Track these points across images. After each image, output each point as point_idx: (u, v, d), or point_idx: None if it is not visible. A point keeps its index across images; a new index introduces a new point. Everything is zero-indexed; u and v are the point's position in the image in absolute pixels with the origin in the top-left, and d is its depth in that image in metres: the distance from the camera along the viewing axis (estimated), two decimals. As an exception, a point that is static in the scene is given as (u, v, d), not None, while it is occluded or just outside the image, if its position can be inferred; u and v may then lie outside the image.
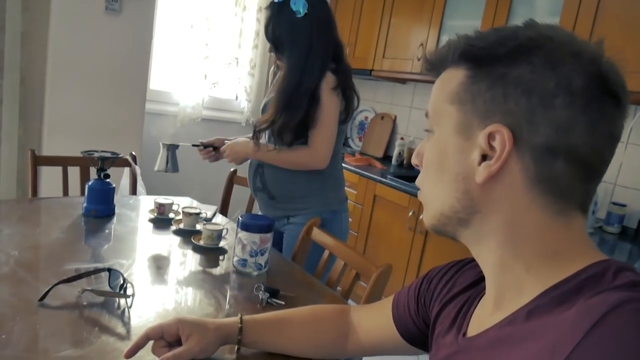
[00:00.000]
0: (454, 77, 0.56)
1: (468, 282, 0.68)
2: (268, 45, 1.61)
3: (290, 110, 1.51)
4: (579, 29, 2.05)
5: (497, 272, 0.55)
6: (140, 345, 0.80)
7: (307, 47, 1.51)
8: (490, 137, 0.51)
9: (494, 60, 0.52)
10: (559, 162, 0.50)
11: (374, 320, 0.85)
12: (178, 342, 0.82)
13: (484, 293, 0.61)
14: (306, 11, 1.50)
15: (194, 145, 1.78)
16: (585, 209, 0.54)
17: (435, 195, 0.58)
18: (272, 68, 1.86)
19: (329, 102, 1.53)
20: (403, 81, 3.30)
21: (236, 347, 0.88)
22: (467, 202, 0.54)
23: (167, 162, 1.70)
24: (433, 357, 0.65)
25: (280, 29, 1.54)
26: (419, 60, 2.80)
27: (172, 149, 1.71)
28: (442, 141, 0.56)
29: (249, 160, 1.72)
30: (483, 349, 0.53)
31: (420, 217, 2.46)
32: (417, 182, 0.63)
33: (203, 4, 3.02)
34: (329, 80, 1.53)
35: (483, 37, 0.54)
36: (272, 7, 1.55)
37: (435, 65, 0.59)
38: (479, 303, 0.62)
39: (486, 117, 0.52)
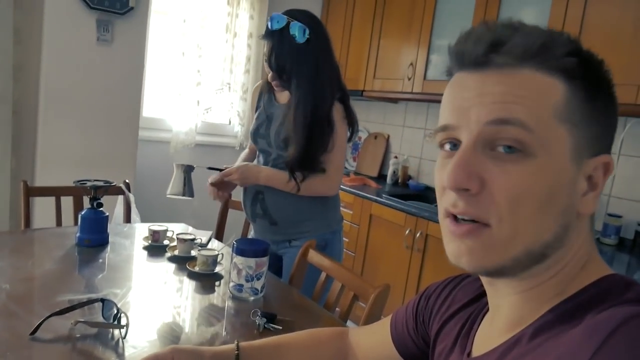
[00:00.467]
0: (551, 86, 0.46)
1: (468, 297, 0.66)
2: (261, 70, 1.61)
3: (315, 140, 1.50)
4: (565, 44, 2.08)
5: (527, 299, 0.51)
6: None
7: (314, 72, 1.49)
8: (596, 167, 0.48)
9: (599, 79, 0.48)
10: None
11: (373, 341, 0.83)
12: None
13: (487, 309, 0.59)
14: (307, 36, 1.48)
15: (210, 169, 1.62)
16: None
17: (531, 232, 0.47)
18: (255, 89, 1.78)
19: (341, 129, 1.56)
20: (395, 101, 3.32)
21: None
22: (561, 235, 0.48)
23: (184, 186, 1.54)
24: None
25: (284, 58, 1.49)
26: (409, 79, 2.83)
27: (188, 170, 1.56)
28: (553, 169, 0.46)
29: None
30: None
31: (421, 235, 2.45)
32: (479, 214, 0.47)
33: (194, 31, 3.05)
34: (338, 108, 1.55)
35: (579, 46, 0.48)
36: (272, 36, 1.50)
37: (508, 57, 0.47)
38: (482, 321, 0.60)
39: (594, 143, 0.48)
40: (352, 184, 2.98)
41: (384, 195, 2.69)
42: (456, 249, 0.49)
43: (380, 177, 3.37)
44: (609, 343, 0.39)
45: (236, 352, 0.83)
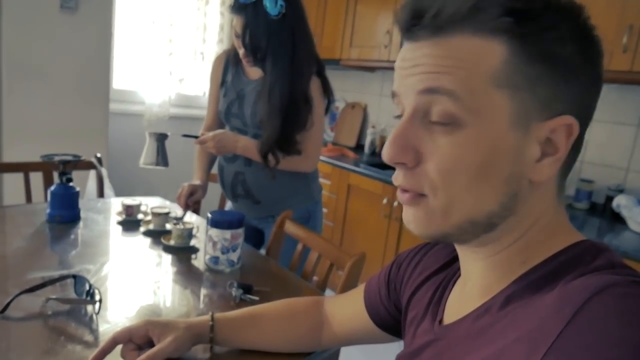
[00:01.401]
0: (489, 50, 0.43)
1: (439, 263, 0.66)
2: (233, 39, 1.49)
3: (291, 120, 1.45)
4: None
5: (491, 267, 0.51)
6: (107, 350, 0.77)
7: (291, 49, 1.41)
8: (554, 129, 0.45)
9: (544, 36, 0.43)
10: (582, 143, 0.48)
11: (347, 309, 0.84)
12: (148, 345, 0.80)
13: (459, 275, 0.59)
14: (282, 10, 1.38)
15: (185, 136, 1.55)
16: None
17: (469, 202, 0.46)
18: (217, 59, 1.69)
19: (319, 105, 1.51)
20: (372, 69, 3.29)
21: (210, 346, 0.86)
22: (509, 204, 0.46)
23: (157, 155, 1.47)
24: (409, 345, 0.63)
25: (259, 35, 1.39)
26: (386, 47, 2.80)
27: (161, 139, 1.48)
28: (489, 138, 0.44)
29: (220, 163, 1.67)
30: (461, 338, 0.51)
31: (398, 213, 2.46)
32: (415, 185, 0.48)
33: (164, -2, 2.95)
34: (315, 82, 1.49)
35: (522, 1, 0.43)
36: (244, 10, 1.39)
37: (439, 24, 0.45)
38: (453, 287, 0.60)
39: (547, 105, 0.44)
40: (330, 155, 2.97)
41: (361, 165, 2.69)
42: (405, 215, 0.51)
43: (358, 147, 3.37)
44: (580, 315, 0.38)
45: (210, 323, 0.82)
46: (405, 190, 0.49)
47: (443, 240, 0.53)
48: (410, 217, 0.50)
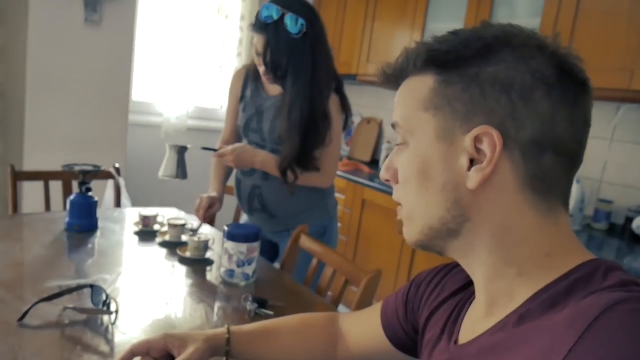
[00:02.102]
0: (421, 84, 0.54)
1: (457, 286, 0.66)
2: (254, 56, 1.49)
3: (310, 137, 1.46)
4: (561, 28, 2.06)
5: (489, 280, 0.53)
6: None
7: (312, 68, 1.43)
8: (477, 139, 0.50)
9: (464, 62, 0.51)
10: (547, 156, 0.49)
11: (363, 327, 0.83)
12: (165, 359, 0.80)
13: (474, 297, 0.60)
14: (303, 29, 1.39)
15: (204, 149, 1.54)
16: (567, 204, 0.53)
17: (421, 209, 0.54)
18: (236, 74, 1.71)
19: (337, 121, 1.52)
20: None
21: (224, 358, 0.86)
22: (457, 211, 0.52)
23: (177, 167, 1.48)
24: None
25: (280, 54, 1.40)
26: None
27: (181, 151, 1.49)
28: (421, 151, 0.54)
29: (238, 177, 1.68)
30: (475, 357, 0.52)
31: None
32: (395, 198, 0.59)
33: (184, 13, 3.00)
34: (334, 100, 1.51)
35: (443, 41, 0.53)
36: (265, 29, 1.40)
37: (394, 77, 0.58)
38: (469, 308, 0.61)
39: (468, 119, 0.50)
40: (345, 169, 2.97)
41: (376, 180, 2.68)
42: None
43: (373, 162, 3.36)
44: (592, 331, 0.39)
45: (227, 335, 0.82)
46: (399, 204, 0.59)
47: (423, 248, 0.58)
48: (402, 227, 0.60)
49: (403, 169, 0.56)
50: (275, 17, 1.38)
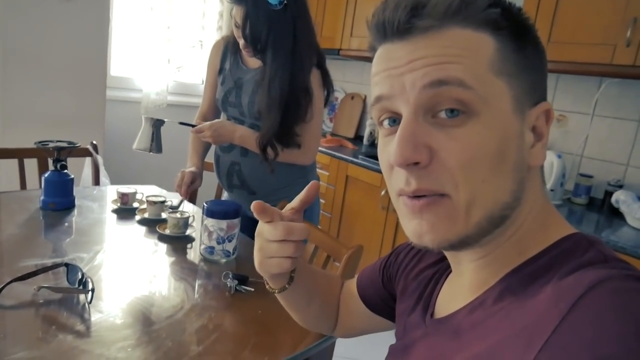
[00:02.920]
0: (482, 42, 0.45)
1: (435, 257, 0.65)
2: (233, 29, 1.44)
3: (291, 112, 1.42)
4: (544, 3, 2.04)
5: (489, 261, 0.50)
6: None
7: (292, 42, 1.38)
8: (538, 116, 0.48)
9: (528, 29, 0.48)
10: None
11: (349, 295, 0.83)
12: None
13: (450, 270, 0.59)
14: (284, 1, 1.34)
15: (182, 124, 1.50)
16: None
17: (489, 195, 0.45)
18: (215, 45, 1.67)
19: (319, 97, 1.49)
20: (372, 60, 3.25)
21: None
22: (519, 193, 0.46)
23: (151, 141, 1.45)
24: (400, 337, 0.62)
25: (260, 27, 1.36)
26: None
27: (157, 125, 1.46)
28: (501, 124, 0.45)
29: (216, 153, 1.65)
30: (454, 333, 0.50)
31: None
32: (435, 185, 0.45)
33: (162, -16, 2.91)
34: (315, 75, 1.47)
35: None
36: (244, 1, 1.36)
37: (428, 18, 0.45)
38: (445, 281, 0.60)
39: (532, 92, 0.47)
40: (328, 145, 2.95)
41: (360, 156, 2.67)
42: (417, 227, 0.47)
43: (357, 138, 3.35)
44: (574, 311, 0.38)
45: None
46: (417, 197, 0.46)
47: (456, 247, 0.48)
48: (426, 226, 0.46)
49: (467, 146, 0.44)
50: None
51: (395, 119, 0.48)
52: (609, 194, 2.07)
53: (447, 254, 0.56)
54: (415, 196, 0.46)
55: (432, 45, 0.44)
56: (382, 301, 0.75)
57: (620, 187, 2.08)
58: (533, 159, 0.47)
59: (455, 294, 0.55)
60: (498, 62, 0.44)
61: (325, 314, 0.81)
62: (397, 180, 0.47)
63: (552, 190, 2.10)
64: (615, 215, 2.01)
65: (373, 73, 0.50)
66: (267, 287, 0.72)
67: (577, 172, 2.24)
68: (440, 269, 0.62)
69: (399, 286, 0.69)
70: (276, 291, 0.71)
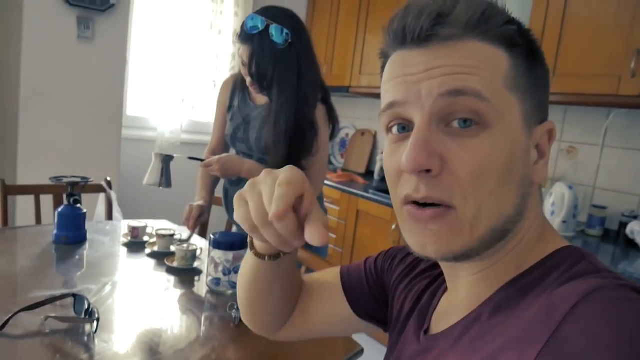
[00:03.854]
0: (497, 58, 0.46)
1: (429, 263, 0.64)
2: (240, 67, 1.49)
3: (297, 146, 1.45)
4: (548, 35, 2.08)
5: (487, 276, 0.50)
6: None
7: (296, 79, 1.42)
8: (542, 134, 0.49)
9: (536, 48, 0.49)
10: None
11: (323, 295, 0.74)
12: None
13: (446, 287, 0.58)
14: (288, 39, 1.40)
15: (191, 159, 1.55)
16: None
17: (492, 207, 0.45)
18: (224, 83, 1.73)
19: (324, 131, 1.52)
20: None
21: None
22: (521, 207, 0.47)
23: (161, 176, 1.50)
24: (392, 350, 0.61)
25: (265, 65, 1.41)
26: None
27: (167, 160, 1.51)
28: (510, 138, 0.45)
29: (225, 187, 1.68)
30: (451, 349, 0.50)
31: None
32: (444, 195, 0.45)
33: (177, 28, 3.04)
34: (320, 110, 1.51)
35: (512, 17, 0.48)
36: (250, 40, 1.40)
37: (454, 28, 0.45)
38: (442, 297, 0.58)
39: (539, 110, 0.49)
40: (339, 180, 2.97)
41: (370, 191, 2.68)
42: (421, 237, 0.47)
43: (368, 174, 3.37)
44: (568, 321, 0.37)
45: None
46: (424, 205, 0.46)
47: (459, 259, 0.47)
48: (431, 237, 0.46)
49: (478, 157, 0.44)
50: (261, 27, 1.39)
51: (405, 126, 0.48)
52: (623, 225, 2.04)
53: (445, 266, 0.55)
54: (422, 205, 0.46)
55: (451, 55, 0.45)
56: (368, 302, 0.70)
57: (635, 217, 2.05)
58: (536, 175, 0.48)
59: (451, 310, 0.54)
60: (512, 77, 0.46)
61: (280, 311, 0.72)
62: (404, 187, 0.47)
63: (564, 222, 2.08)
64: (631, 246, 1.97)
65: (385, 80, 0.49)
66: (252, 251, 0.61)
67: (590, 204, 2.22)
68: (435, 280, 0.61)
69: (392, 294, 0.67)
70: (266, 257, 0.60)
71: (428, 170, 0.44)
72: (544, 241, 0.50)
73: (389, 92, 0.48)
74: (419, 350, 0.56)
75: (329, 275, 0.75)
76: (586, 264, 0.45)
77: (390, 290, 0.68)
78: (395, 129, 0.49)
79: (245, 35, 1.41)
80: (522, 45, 0.47)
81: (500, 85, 0.45)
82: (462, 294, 0.53)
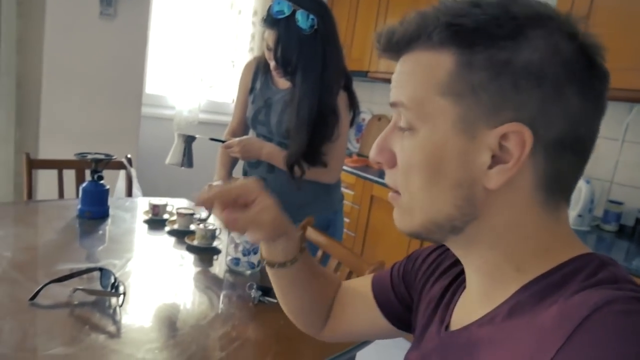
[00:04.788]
0: (437, 62, 0.47)
1: (450, 261, 0.65)
2: (264, 51, 1.50)
3: (318, 132, 1.47)
4: (572, 27, 2.05)
5: (483, 273, 0.52)
6: (215, 198, 0.64)
7: (321, 65, 1.43)
8: (504, 136, 0.45)
9: (493, 44, 0.44)
10: (566, 157, 0.46)
11: (357, 299, 0.78)
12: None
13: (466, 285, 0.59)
14: (314, 25, 1.40)
15: (212, 140, 1.57)
16: (570, 199, 0.52)
17: (425, 203, 0.49)
18: (247, 65, 1.74)
19: (345, 118, 1.53)
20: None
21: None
22: (468, 209, 0.48)
23: (183, 156, 1.52)
24: (417, 346, 0.63)
25: (291, 50, 1.41)
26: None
27: (189, 140, 1.53)
28: (434, 142, 0.47)
29: (244, 168, 1.70)
30: (464, 347, 0.51)
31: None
32: (390, 183, 0.53)
33: (198, 7, 3.03)
34: (342, 96, 1.51)
35: (466, 14, 0.45)
36: (276, 25, 1.40)
37: (397, 46, 0.50)
38: (462, 293, 0.60)
39: (494, 112, 0.45)
40: (354, 165, 2.98)
41: (385, 177, 2.69)
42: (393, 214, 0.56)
43: (383, 159, 3.37)
44: (579, 332, 0.37)
45: (303, 245, 0.75)
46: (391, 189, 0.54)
47: (418, 238, 0.55)
48: (394, 214, 0.55)
49: (407, 157, 0.50)
50: (287, 12, 1.39)
51: None
52: (639, 222, 2.03)
53: (459, 258, 0.57)
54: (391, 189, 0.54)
55: (398, 70, 0.51)
56: (399, 308, 0.74)
57: (652, 214, 2.03)
58: (488, 181, 0.46)
59: (468, 308, 0.56)
60: (447, 82, 0.46)
61: (315, 312, 0.78)
62: None
63: (580, 216, 2.07)
64: (646, 243, 1.96)
65: None
66: (264, 262, 0.73)
67: (606, 199, 2.21)
68: (457, 278, 0.63)
69: (417, 293, 0.69)
70: (275, 265, 0.71)
71: (381, 163, 0.54)
72: (557, 247, 0.49)
73: None
74: (438, 346, 0.57)
75: (363, 282, 0.79)
76: (605, 273, 0.44)
77: (416, 291, 0.70)
78: None
79: (271, 20, 1.41)
80: (465, 45, 0.45)
81: (428, 92, 0.48)
82: (474, 291, 0.55)
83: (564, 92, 0.45)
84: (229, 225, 0.65)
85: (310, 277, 0.76)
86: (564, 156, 0.46)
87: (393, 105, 0.51)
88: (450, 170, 0.47)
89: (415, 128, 0.49)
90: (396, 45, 0.50)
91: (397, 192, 0.53)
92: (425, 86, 0.48)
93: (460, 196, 0.47)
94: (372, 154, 0.54)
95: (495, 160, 0.46)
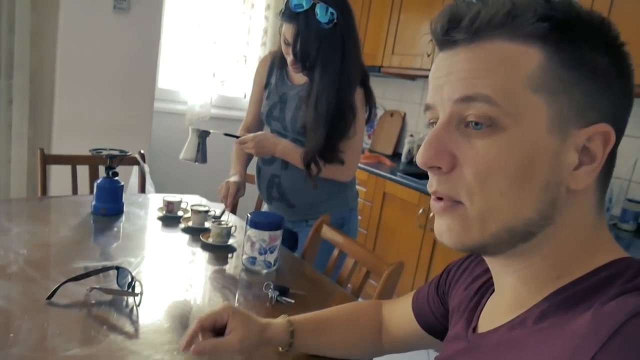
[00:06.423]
0: (524, 55, 0.44)
1: (481, 269, 0.65)
2: (278, 44, 1.48)
3: (336, 129, 1.45)
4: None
5: (522, 277, 0.50)
6: (195, 335, 0.75)
7: (340, 60, 1.40)
8: (590, 137, 0.45)
9: (584, 41, 0.44)
10: (615, 156, 0.48)
11: (399, 312, 0.85)
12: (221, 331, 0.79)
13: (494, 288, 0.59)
14: (334, 19, 1.37)
15: (227, 135, 1.55)
16: None
17: (505, 209, 0.45)
18: (262, 60, 1.70)
19: (362, 114, 1.51)
20: (412, 77, 3.27)
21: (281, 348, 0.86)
22: (549, 212, 0.46)
23: (197, 151, 1.50)
24: (451, 349, 0.62)
25: (310, 45, 1.38)
26: (428, 56, 2.77)
27: (203, 135, 1.51)
28: (527, 142, 0.44)
29: (258, 165, 1.69)
30: (494, 349, 0.51)
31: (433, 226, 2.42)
32: (449, 192, 0.47)
33: (211, 2, 3.02)
34: (359, 93, 1.49)
35: (567, 10, 0.44)
36: (295, 18, 1.37)
37: (477, 31, 0.45)
38: (491, 296, 0.60)
39: (583, 112, 0.44)
40: (366, 162, 2.95)
41: (398, 174, 2.67)
42: (437, 226, 0.50)
43: (395, 155, 3.34)
44: (616, 338, 0.37)
45: (291, 329, 0.83)
46: (439, 199, 0.49)
47: (478, 252, 0.50)
48: (443, 227, 0.49)
49: (487, 159, 0.45)
50: (306, 6, 1.36)
51: (434, 123, 0.51)
52: (659, 221, 1.99)
53: (490, 267, 0.56)
54: (437, 199, 0.49)
55: (469, 59, 0.46)
56: (436, 320, 0.76)
57: (672, 214, 1.99)
58: (574, 181, 0.45)
59: (497, 310, 0.55)
60: (540, 78, 0.44)
61: (363, 342, 0.88)
62: (430, 178, 0.50)
63: (598, 214, 2.03)
64: (666, 243, 1.92)
65: (429, 78, 0.53)
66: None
67: (624, 197, 2.16)
68: (486, 282, 0.63)
69: (452, 302, 0.69)
70: (280, 348, 0.85)
71: (440, 168, 0.47)
72: (597, 251, 0.48)
73: (428, 92, 0.51)
74: (464, 347, 0.57)
75: (405, 300, 0.85)
76: None
77: (450, 300, 0.71)
78: (433, 126, 0.52)
79: (289, 14, 1.39)
80: (560, 42, 0.44)
81: (520, 87, 0.44)
82: (506, 295, 0.53)
83: (631, 98, 0.47)
84: (198, 353, 0.73)
85: (326, 336, 0.86)
86: (615, 157, 0.47)
87: (465, 99, 0.45)
88: (540, 173, 0.44)
89: (499, 125, 0.44)
90: (472, 30, 0.45)
91: (456, 201, 0.47)
92: (515, 79, 0.44)
93: (545, 199, 0.45)
94: (426, 157, 0.47)
95: (580, 162, 0.45)
